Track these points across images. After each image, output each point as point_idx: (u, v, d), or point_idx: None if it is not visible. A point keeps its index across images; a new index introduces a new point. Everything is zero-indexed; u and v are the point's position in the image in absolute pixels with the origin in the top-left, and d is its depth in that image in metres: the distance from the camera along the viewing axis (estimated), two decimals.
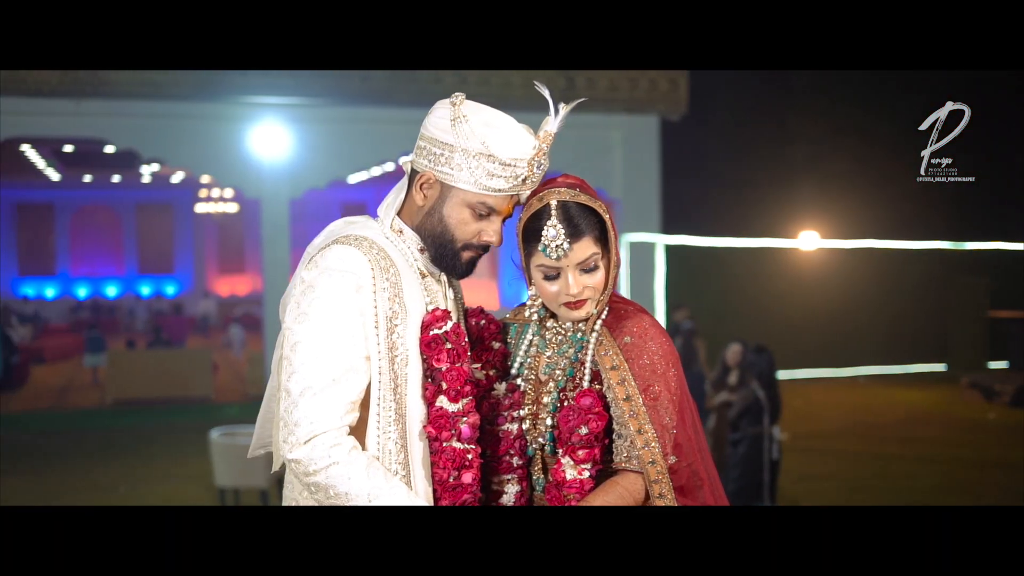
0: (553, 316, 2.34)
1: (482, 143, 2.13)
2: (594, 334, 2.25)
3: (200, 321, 23.08)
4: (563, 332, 2.32)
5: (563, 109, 2.28)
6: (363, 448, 2.11)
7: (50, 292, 25.01)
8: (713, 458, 6.66)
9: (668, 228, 14.88)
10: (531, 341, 2.36)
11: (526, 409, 2.30)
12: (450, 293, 2.32)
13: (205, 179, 17.81)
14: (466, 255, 2.23)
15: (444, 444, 2.12)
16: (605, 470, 2.19)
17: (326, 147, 13.59)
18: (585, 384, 2.23)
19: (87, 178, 22.14)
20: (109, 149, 16.07)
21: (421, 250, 2.25)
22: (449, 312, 2.19)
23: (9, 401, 14.25)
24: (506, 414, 2.29)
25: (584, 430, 2.15)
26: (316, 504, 2.08)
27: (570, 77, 13.99)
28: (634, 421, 2.14)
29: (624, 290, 14.57)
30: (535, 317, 2.36)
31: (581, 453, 2.15)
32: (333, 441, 2.02)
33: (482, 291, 21.07)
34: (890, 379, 16.85)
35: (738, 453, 7.43)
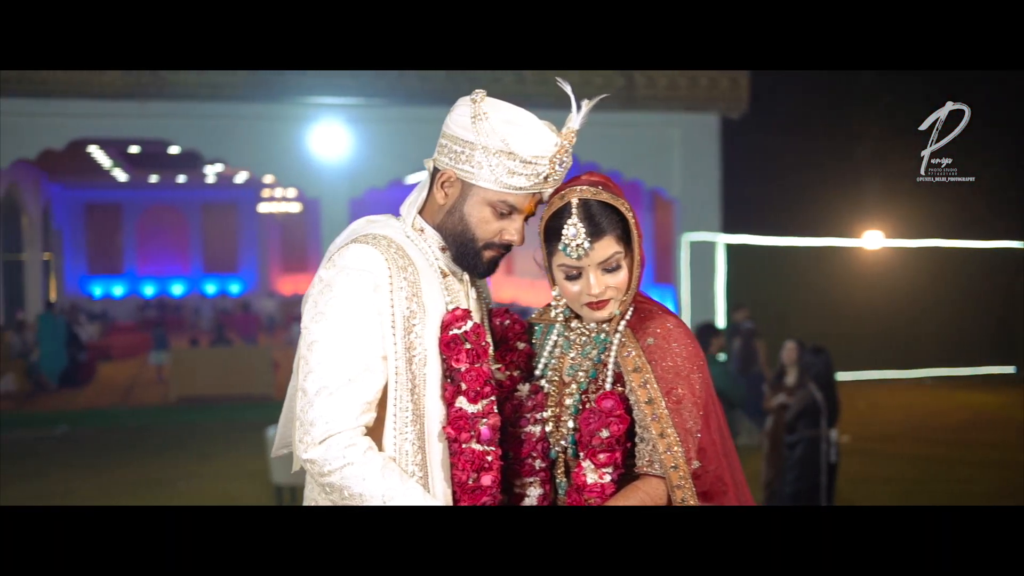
0: (578, 316, 2.30)
1: (502, 140, 2.10)
2: (617, 335, 2.21)
3: (265, 320, 23.34)
4: (587, 333, 2.28)
5: (585, 106, 2.23)
6: (380, 448, 2.09)
7: (118, 291, 25.45)
8: (772, 461, 6.52)
9: (729, 227, 14.73)
10: (556, 342, 2.32)
11: (549, 411, 2.27)
12: (473, 292, 2.29)
13: (268, 179, 17.97)
14: (488, 254, 2.20)
15: (463, 446, 2.09)
16: (628, 474, 2.15)
17: (386, 147, 13.65)
18: (607, 386, 2.19)
19: (153, 179, 22.48)
20: (173, 150, 16.32)
21: (443, 249, 2.22)
22: (469, 312, 2.16)
23: (76, 397, 14.54)
24: (529, 416, 2.25)
25: (605, 433, 2.11)
26: (332, 505, 2.07)
27: (629, 76, 13.91)
28: (656, 424, 2.10)
29: (684, 290, 14.46)
30: (560, 317, 2.32)
31: (602, 457, 2.11)
32: (348, 441, 2.01)
33: (541, 291, 21.02)
34: (957, 381, 16.49)
35: (795, 456, 7.31)
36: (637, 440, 2.15)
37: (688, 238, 14.49)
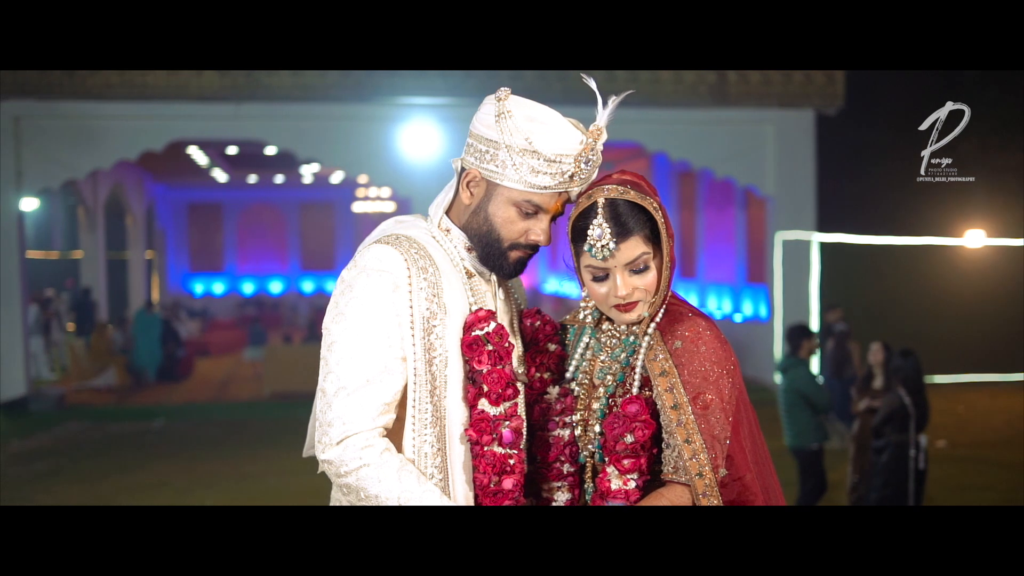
0: (609, 319, 2.25)
1: (526, 139, 2.07)
2: (646, 338, 2.15)
3: None
4: (617, 335, 2.23)
5: (611, 102, 2.18)
6: (399, 450, 2.07)
7: (218, 288, 26.04)
8: (858, 466, 6.34)
9: (824, 226, 14.43)
10: (587, 344, 2.27)
11: (578, 415, 2.22)
12: (500, 293, 2.26)
13: (362, 179, 18.20)
14: (513, 255, 2.16)
15: (485, 448, 2.06)
16: (655, 481, 2.10)
17: None
18: (634, 390, 2.14)
19: (252, 179, 22.96)
20: (269, 150, 16.63)
21: (468, 249, 2.20)
22: (493, 313, 2.13)
23: (174, 392, 14.92)
24: (557, 419, 2.21)
25: (629, 438, 2.06)
26: (350, 505, 2.06)
27: (721, 72, 13.73)
28: (682, 431, 2.04)
29: (777, 290, 14.22)
30: (589, 319, 2.28)
31: (627, 462, 2.06)
32: (365, 443, 2.00)
33: None
34: None
35: (881, 461, 7.10)
36: (663, 446, 2.09)
37: (782, 237, 14.24)
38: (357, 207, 22.38)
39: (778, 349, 13.55)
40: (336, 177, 21.40)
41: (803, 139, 14.30)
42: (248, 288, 26.00)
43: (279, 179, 22.99)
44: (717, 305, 17.63)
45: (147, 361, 15.51)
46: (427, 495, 1.99)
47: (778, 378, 7.42)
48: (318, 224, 26.04)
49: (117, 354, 15.91)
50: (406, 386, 2.08)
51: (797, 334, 7.42)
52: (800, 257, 14.19)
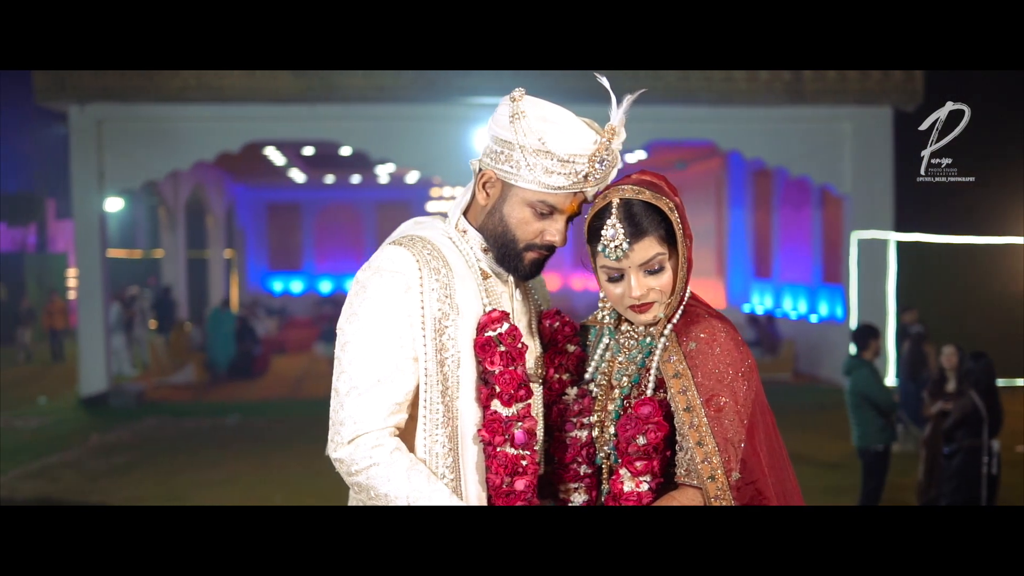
0: (628, 319, 2.23)
1: (539, 139, 2.06)
2: (662, 339, 2.13)
3: None
4: (635, 336, 2.21)
5: (625, 101, 2.16)
6: (411, 449, 2.09)
7: (297, 287, 26.42)
8: (929, 470, 6.19)
9: (901, 225, 14.13)
10: (607, 345, 2.26)
11: (595, 416, 2.21)
12: (518, 294, 2.26)
13: (436, 179, 18.33)
14: (529, 255, 2.16)
15: (497, 449, 2.06)
16: (669, 483, 2.08)
17: None
18: (648, 392, 2.12)
19: (329, 179, 23.25)
20: (343, 151, 16.82)
21: (485, 250, 2.20)
22: (507, 314, 2.13)
23: (250, 388, 15.17)
24: (575, 420, 2.21)
25: (642, 440, 2.04)
26: (361, 504, 2.08)
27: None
28: (694, 433, 2.02)
29: (852, 291, 13.98)
30: (607, 320, 2.26)
31: (639, 464, 2.05)
32: (375, 442, 2.01)
33: (709, 289, 20.71)
34: None
35: (952, 466, 6.94)
36: (677, 448, 2.07)
37: (858, 236, 13.99)
38: (431, 207, 22.52)
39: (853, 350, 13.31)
40: (412, 177, 21.56)
41: (881, 136, 14.04)
42: (325, 287, 26.32)
43: (355, 179, 23.24)
44: (792, 306, 17.39)
45: (220, 357, 15.79)
46: (436, 495, 2.00)
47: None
48: (394, 223, 25.75)
49: (195, 351, 16.23)
50: (418, 386, 2.09)
51: (863, 335, 7.31)
52: (877, 257, 13.94)
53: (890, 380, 12.41)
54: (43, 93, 13.18)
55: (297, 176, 21.94)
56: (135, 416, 12.98)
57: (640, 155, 17.84)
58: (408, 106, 13.78)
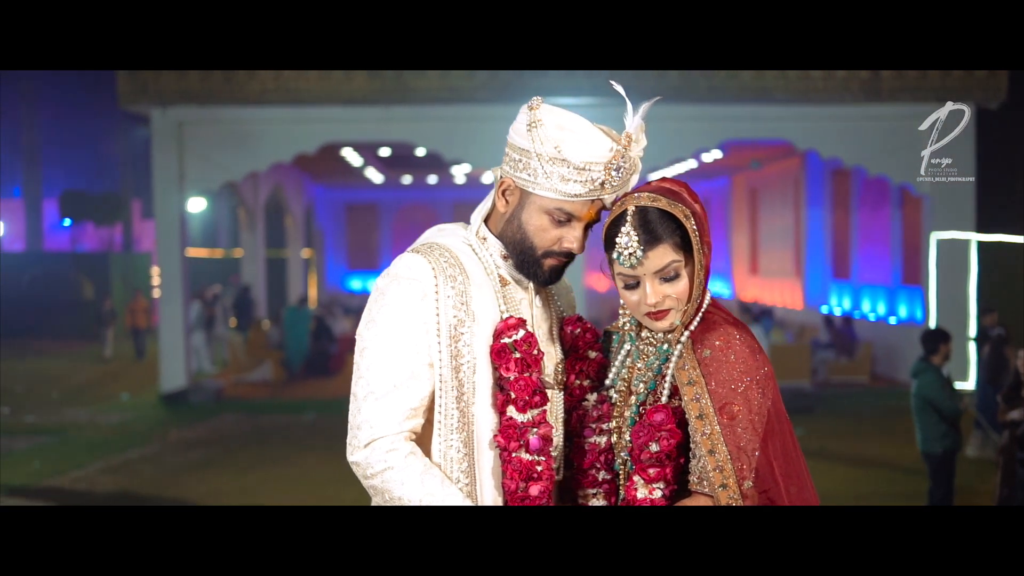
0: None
1: (555, 147, 2.09)
2: (679, 346, 2.13)
3: None
4: (654, 343, 2.21)
5: (642, 108, 2.16)
6: (427, 454, 2.12)
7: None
8: (1006, 479, 6.05)
9: (983, 225, 13.81)
10: (628, 351, 2.26)
11: (614, 422, 2.22)
12: (538, 300, 2.28)
13: None
14: (548, 262, 2.18)
15: (512, 455, 2.09)
16: (682, 491, 2.08)
17: None
18: (663, 399, 2.12)
19: (406, 179, 23.47)
20: (418, 151, 16.97)
21: (504, 257, 2.22)
22: (523, 321, 2.15)
23: (326, 386, 15.38)
24: (594, 426, 2.22)
25: (654, 447, 2.05)
26: (375, 506, 2.12)
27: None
28: (706, 441, 2.01)
29: (932, 292, 13.70)
30: (627, 327, 2.27)
31: (652, 471, 2.05)
32: (390, 446, 2.06)
33: (786, 290, 20.45)
34: None
35: None
36: (691, 456, 2.07)
37: (937, 236, 13.70)
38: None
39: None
40: (487, 177, 21.58)
41: (962, 134, 13.60)
42: None
43: (432, 179, 23.42)
44: (871, 307, 17.10)
45: (295, 355, 16.03)
46: (449, 498, 2.04)
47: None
48: None
49: (272, 349, 16.50)
50: (434, 392, 2.13)
51: (931, 338, 7.16)
52: (957, 258, 13.62)
53: (970, 384, 12.14)
54: (126, 97, 13.53)
55: (374, 176, 22.18)
56: (213, 412, 13.26)
57: (716, 154, 17.69)
58: (482, 107, 13.83)
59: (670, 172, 19.95)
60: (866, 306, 17.27)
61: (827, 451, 10.19)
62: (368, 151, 18.65)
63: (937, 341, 7.14)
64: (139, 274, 24.76)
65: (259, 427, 12.38)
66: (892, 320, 16.06)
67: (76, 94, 31.07)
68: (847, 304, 18.01)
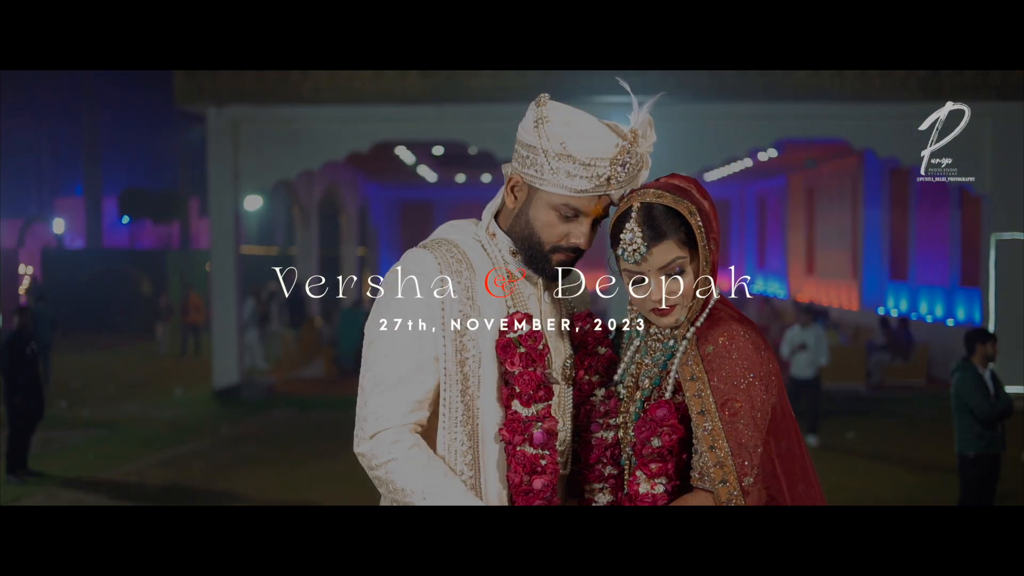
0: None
1: (561, 144, 2.10)
2: (684, 342, 2.13)
3: None
4: (661, 339, 2.20)
5: (647, 104, 2.18)
6: (432, 446, 2.15)
7: None
8: None
9: None
10: (637, 347, 2.26)
11: (621, 417, 2.22)
12: (547, 296, 2.28)
13: None
14: (556, 258, 2.19)
15: (516, 448, 2.10)
16: (685, 487, 2.07)
17: (675, 145, 13.48)
18: (667, 395, 2.12)
19: (460, 178, 23.55)
20: (471, 150, 17.01)
21: (513, 253, 2.24)
22: (529, 316, 2.16)
23: None
24: (600, 421, 2.22)
25: (656, 442, 2.06)
26: (393, 503, 2.13)
27: None
28: (707, 437, 2.01)
29: (990, 294, 13.47)
30: (636, 323, 2.25)
31: (654, 467, 2.06)
32: (395, 438, 2.08)
33: (843, 291, 20.21)
34: None
35: None
36: (693, 452, 2.07)
37: (997, 237, 13.46)
38: None
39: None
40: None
41: (1022, 133, 13.45)
42: None
43: (486, 178, 23.48)
44: (929, 309, 16.84)
45: (347, 352, 16.13)
46: (451, 490, 2.06)
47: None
48: None
49: (325, 346, 16.64)
50: (439, 384, 2.15)
51: (972, 338, 7.00)
52: (1016, 259, 13.37)
53: None
54: (183, 96, 13.73)
55: (428, 175, 22.28)
56: (264, 408, 13.40)
57: (772, 153, 17.53)
58: None
59: (725, 171, 19.80)
60: (923, 308, 17.02)
61: (880, 454, 10.05)
62: (421, 150, 18.74)
63: (975, 341, 6.98)
64: (196, 271, 25.13)
65: (310, 423, 12.49)
66: (950, 322, 15.81)
67: (134, 94, 31.66)
68: (904, 306, 17.76)
